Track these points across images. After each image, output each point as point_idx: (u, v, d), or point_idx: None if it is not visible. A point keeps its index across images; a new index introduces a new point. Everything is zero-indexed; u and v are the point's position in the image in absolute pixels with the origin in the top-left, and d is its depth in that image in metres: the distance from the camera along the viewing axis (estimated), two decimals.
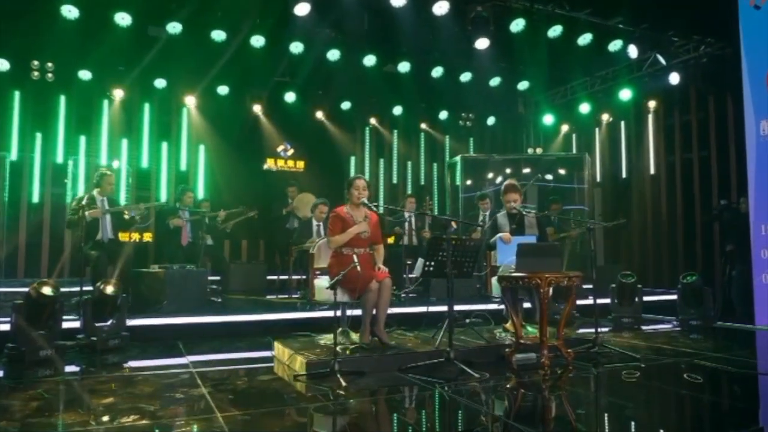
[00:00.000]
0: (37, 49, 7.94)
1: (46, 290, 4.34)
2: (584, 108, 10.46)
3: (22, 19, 6.96)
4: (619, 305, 6.62)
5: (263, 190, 9.76)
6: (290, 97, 9.74)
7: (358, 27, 7.28)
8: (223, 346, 5.07)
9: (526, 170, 9.89)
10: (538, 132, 11.96)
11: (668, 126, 9.56)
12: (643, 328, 6.43)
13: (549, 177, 9.75)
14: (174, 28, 6.97)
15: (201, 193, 9.53)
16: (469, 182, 9.67)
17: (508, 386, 3.80)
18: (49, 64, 8.23)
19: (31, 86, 8.38)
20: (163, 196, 9.14)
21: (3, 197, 7.86)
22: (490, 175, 10.66)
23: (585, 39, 7.36)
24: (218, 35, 7.28)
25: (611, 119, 10.41)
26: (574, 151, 10.94)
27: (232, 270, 8.59)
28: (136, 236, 8.68)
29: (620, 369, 4.27)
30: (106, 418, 2.85)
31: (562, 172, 9.83)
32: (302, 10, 6.30)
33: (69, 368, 4.14)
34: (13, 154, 8.31)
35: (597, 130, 10.73)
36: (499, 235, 4.93)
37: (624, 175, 10.33)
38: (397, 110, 10.75)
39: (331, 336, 4.79)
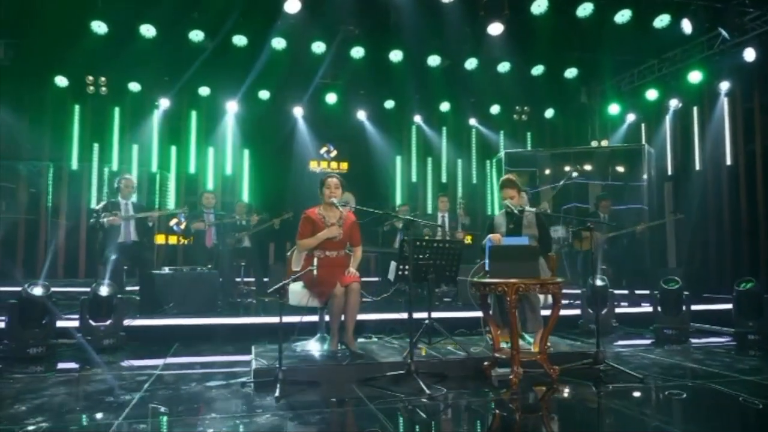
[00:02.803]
0: (90, 65, 8.51)
1: (36, 291, 4.57)
2: (651, 94, 9.44)
3: (71, 37, 7.43)
4: (663, 315, 5.85)
5: (307, 192, 9.78)
6: (331, 98, 9.70)
7: (378, 22, 7.04)
8: (215, 349, 5.07)
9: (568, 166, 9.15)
10: (604, 122, 10.99)
11: (746, 110, 8.36)
12: (692, 341, 5.62)
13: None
14: (197, 36, 7.14)
15: (246, 196, 9.77)
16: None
17: (447, 407, 3.39)
18: (102, 79, 8.81)
19: (89, 100, 9.04)
20: None
21: (46, 202, 8.56)
22: (548, 171, 10.12)
23: (623, 16, 6.54)
24: (239, 40, 7.36)
25: (681, 105, 9.31)
26: (643, 141, 9.92)
27: (272, 272, 8.70)
28: (184, 240, 9.06)
29: (610, 393, 3.68)
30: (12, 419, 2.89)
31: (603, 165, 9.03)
32: (292, 7, 6.17)
33: (48, 366, 4.30)
34: (74, 164, 9.00)
35: (667, 117, 9.64)
36: (489, 236, 4.48)
37: (698, 166, 9.19)
38: (445, 107, 10.34)
39: (311, 341, 4.66)
